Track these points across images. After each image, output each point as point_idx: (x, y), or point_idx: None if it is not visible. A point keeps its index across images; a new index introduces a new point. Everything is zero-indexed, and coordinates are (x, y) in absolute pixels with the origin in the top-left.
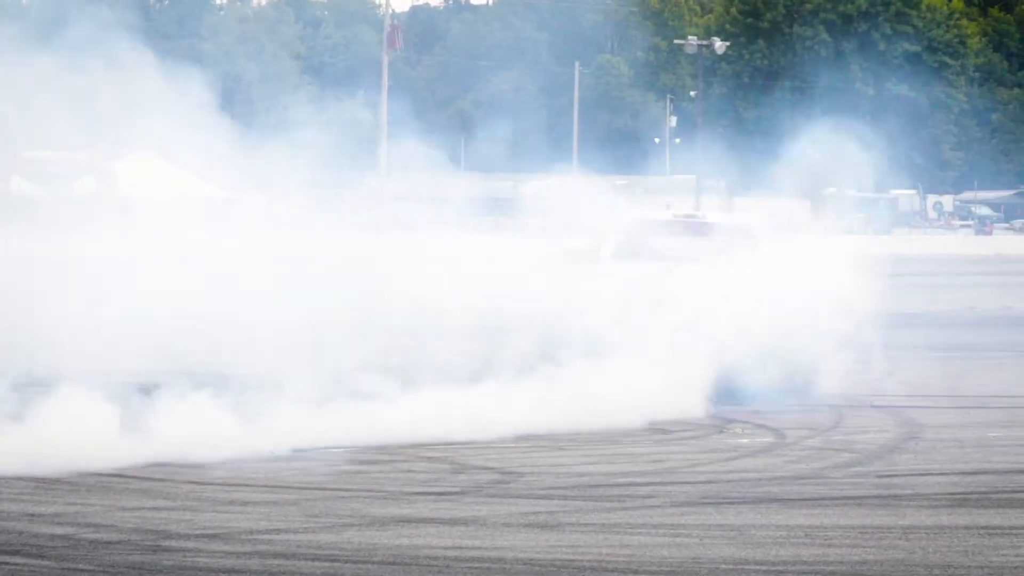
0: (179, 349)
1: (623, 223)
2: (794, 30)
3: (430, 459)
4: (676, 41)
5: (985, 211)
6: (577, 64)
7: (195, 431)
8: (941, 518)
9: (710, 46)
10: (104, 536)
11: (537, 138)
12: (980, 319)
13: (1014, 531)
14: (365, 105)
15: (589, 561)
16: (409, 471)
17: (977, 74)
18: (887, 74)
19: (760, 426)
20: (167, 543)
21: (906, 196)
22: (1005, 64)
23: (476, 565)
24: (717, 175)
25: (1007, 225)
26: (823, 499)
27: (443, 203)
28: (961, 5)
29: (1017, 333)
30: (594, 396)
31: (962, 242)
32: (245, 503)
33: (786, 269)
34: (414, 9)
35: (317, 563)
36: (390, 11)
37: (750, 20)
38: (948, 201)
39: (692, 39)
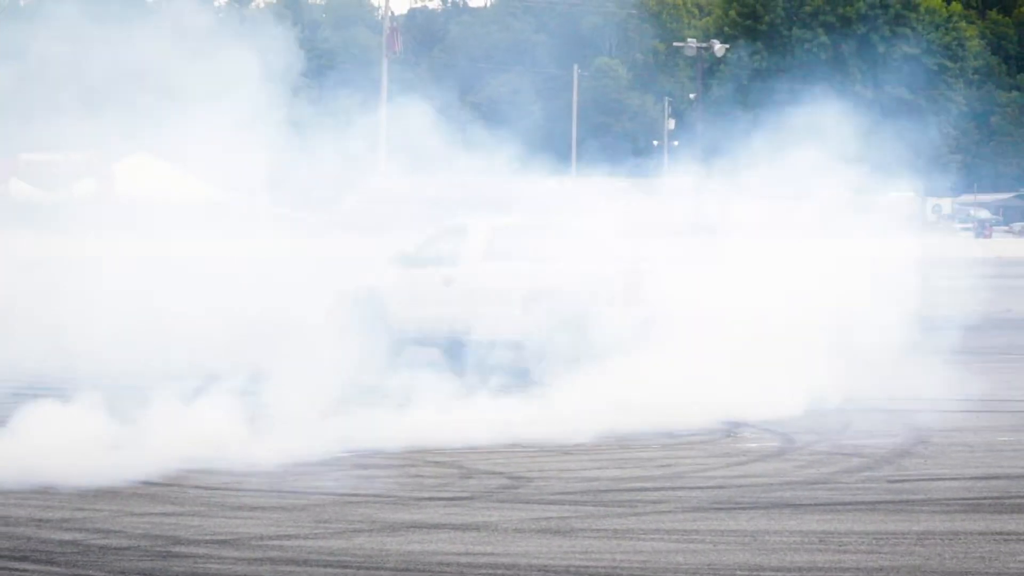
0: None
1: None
2: (793, 32)
3: (437, 464)
4: (675, 44)
5: (984, 214)
6: (576, 67)
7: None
8: (956, 523)
9: (709, 48)
10: (113, 542)
11: (535, 141)
12: (981, 322)
13: None
14: (363, 107)
15: (603, 567)
16: (417, 476)
17: (976, 76)
18: (886, 76)
19: (767, 430)
20: (177, 549)
21: (905, 199)
22: (1003, 67)
23: (490, 572)
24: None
25: (1006, 228)
26: (835, 504)
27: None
28: (960, 8)
29: (1019, 336)
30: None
31: (961, 245)
32: (253, 508)
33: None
34: (412, 12)
35: (329, 570)
36: (389, 13)
37: (749, 22)
38: (947, 204)
39: (692, 41)
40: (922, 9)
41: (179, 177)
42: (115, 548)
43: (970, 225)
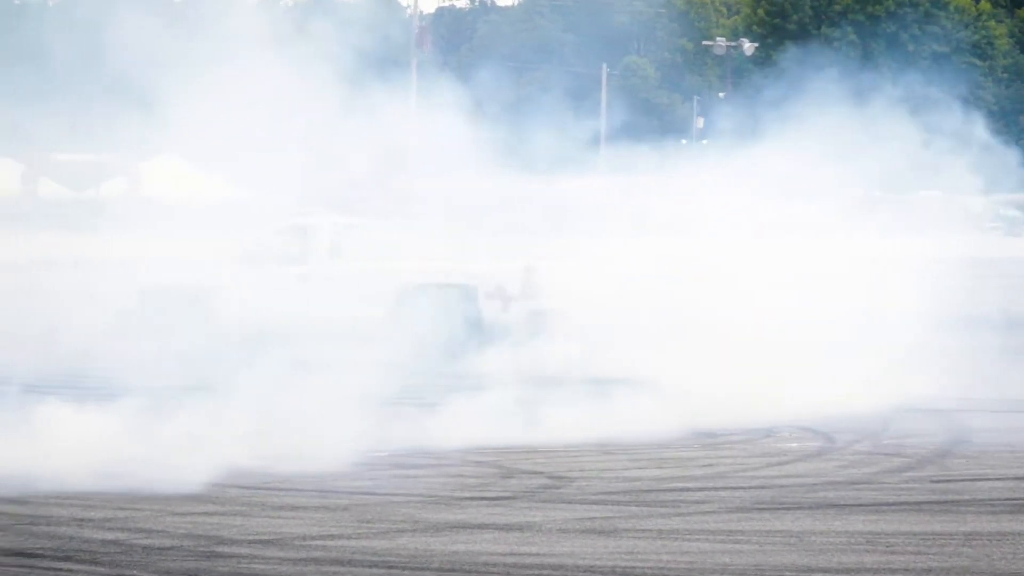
0: None
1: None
2: (822, 31)
3: (477, 463)
4: (704, 43)
5: (1014, 212)
6: (604, 66)
7: None
8: (1002, 524)
9: (738, 47)
10: (156, 542)
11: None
12: (1013, 321)
13: None
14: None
15: (650, 568)
16: (458, 475)
17: (1005, 75)
18: (915, 75)
19: (807, 429)
20: (220, 549)
21: (935, 197)
22: None
23: (536, 572)
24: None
25: None
26: (880, 504)
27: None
28: (989, 6)
29: None
30: None
31: (992, 244)
32: (295, 508)
33: None
34: (440, 11)
35: (375, 570)
36: (418, 12)
37: (777, 21)
38: (977, 202)
39: (720, 40)
40: (951, 7)
41: (200, 178)
42: (158, 548)
43: (999, 224)
